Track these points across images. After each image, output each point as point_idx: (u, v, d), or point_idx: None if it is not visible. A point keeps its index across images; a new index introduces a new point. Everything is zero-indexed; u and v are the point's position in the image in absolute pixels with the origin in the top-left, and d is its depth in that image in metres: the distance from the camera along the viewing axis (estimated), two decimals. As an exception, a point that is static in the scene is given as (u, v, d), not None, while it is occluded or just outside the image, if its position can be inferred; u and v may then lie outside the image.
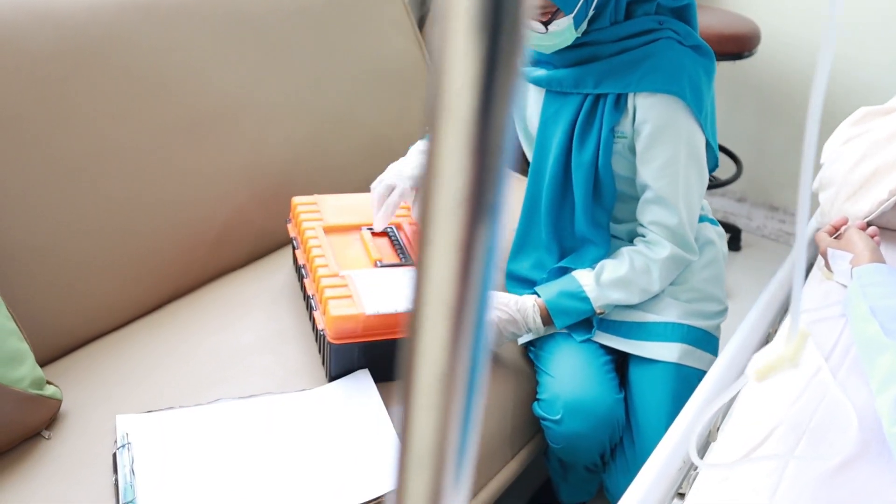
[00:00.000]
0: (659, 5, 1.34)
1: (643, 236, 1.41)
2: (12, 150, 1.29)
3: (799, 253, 0.52)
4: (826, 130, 2.71)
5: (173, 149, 1.50)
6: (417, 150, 1.53)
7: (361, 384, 1.30)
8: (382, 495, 1.12)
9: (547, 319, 1.38)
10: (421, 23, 2.59)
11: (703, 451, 0.94)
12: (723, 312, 1.54)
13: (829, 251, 1.18)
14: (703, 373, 1.47)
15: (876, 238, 1.19)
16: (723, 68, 2.77)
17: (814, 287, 1.20)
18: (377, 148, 1.92)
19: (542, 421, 1.39)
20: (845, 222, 1.24)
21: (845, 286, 1.16)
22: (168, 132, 1.50)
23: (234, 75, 1.63)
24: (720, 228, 1.60)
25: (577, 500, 1.62)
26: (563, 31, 1.29)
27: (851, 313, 1.03)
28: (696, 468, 0.86)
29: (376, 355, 1.31)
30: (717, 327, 1.53)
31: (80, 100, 1.39)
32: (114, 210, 1.41)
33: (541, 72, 1.40)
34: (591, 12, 1.29)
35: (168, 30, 1.54)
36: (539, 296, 1.39)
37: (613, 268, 1.37)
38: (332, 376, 1.31)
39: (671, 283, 1.49)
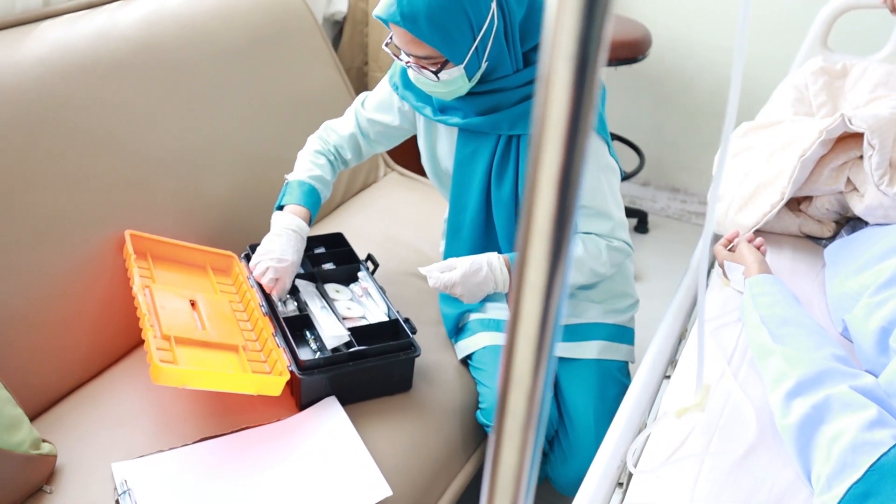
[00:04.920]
0: None
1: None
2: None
3: (701, 315, 0.68)
4: (721, 118, 2.93)
5: (121, 202, 1.60)
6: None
7: (330, 409, 1.44)
8: (362, 510, 1.27)
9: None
10: (335, 46, 2.70)
11: (640, 450, 1.13)
12: (634, 305, 1.74)
13: (725, 263, 1.39)
14: (622, 363, 1.68)
15: (762, 248, 1.40)
16: (620, 70, 2.99)
17: (715, 294, 1.40)
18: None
19: (485, 427, 1.57)
20: (737, 235, 1.45)
21: (741, 293, 1.36)
22: (115, 186, 1.59)
23: (170, 124, 1.73)
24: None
25: (524, 486, 1.81)
26: (455, 79, 1.42)
27: (746, 320, 1.23)
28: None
29: (342, 383, 1.46)
30: (631, 319, 1.73)
31: (33, 165, 1.47)
32: (75, 265, 1.50)
33: (454, 119, 1.53)
34: (483, 64, 1.43)
35: (108, 89, 1.63)
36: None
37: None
38: (303, 404, 1.45)
39: (586, 288, 1.68)
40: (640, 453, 1.04)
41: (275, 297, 1.55)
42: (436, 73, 1.40)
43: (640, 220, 3.12)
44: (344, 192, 2.25)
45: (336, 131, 1.72)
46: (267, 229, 1.87)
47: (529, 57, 1.48)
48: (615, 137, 3.09)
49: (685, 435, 1.03)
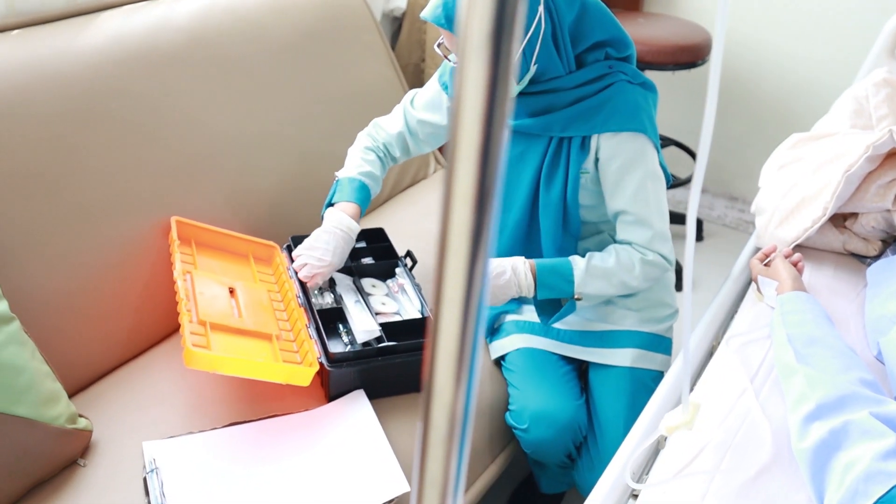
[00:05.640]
0: (607, 52, 1.49)
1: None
2: (31, 204, 1.43)
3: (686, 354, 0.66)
4: (784, 125, 2.87)
5: (169, 190, 1.65)
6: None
7: (357, 403, 1.46)
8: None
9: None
10: (393, 42, 2.73)
11: (654, 456, 1.12)
12: (673, 315, 1.71)
13: (759, 278, 1.36)
14: (656, 373, 1.65)
15: (800, 265, 1.37)
16: (680, 75, 2.94)
17: (747, 309, 1.37)
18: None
19: (513, 429, 1.57)
20: (774, 250, 1.42)
21: (773, 308, 1.33)
22: (164, 175, 1.64)
23: (221, 115, 1.78)
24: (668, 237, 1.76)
25: (556, 490, 1.80)
26: None
27: (773, 338, 1.21)
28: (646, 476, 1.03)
29: (370, 377, 1.48)
30: (669, 329, 1.70)
31: (87, 152, 1.53)
32: (123, 249, 1.56)
33: None
34: (532, 67, 1.43)
35: (162, 79, 1.68)
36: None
37: (601, 259, 1.51)
38: (332, 396, 1.48)
39: (624, 296, 1.65)
40: (649, 467, 1.03)
41: (307, 281, 1.57)
42: None
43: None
44: (392, 187, 2.27)
45: (385, 129, 1.73)
46: (311, 223, 1.90)
47: (584, 58, 1.47)
48: (672, 142, 3.04)
49: (698, 450, 1.02)
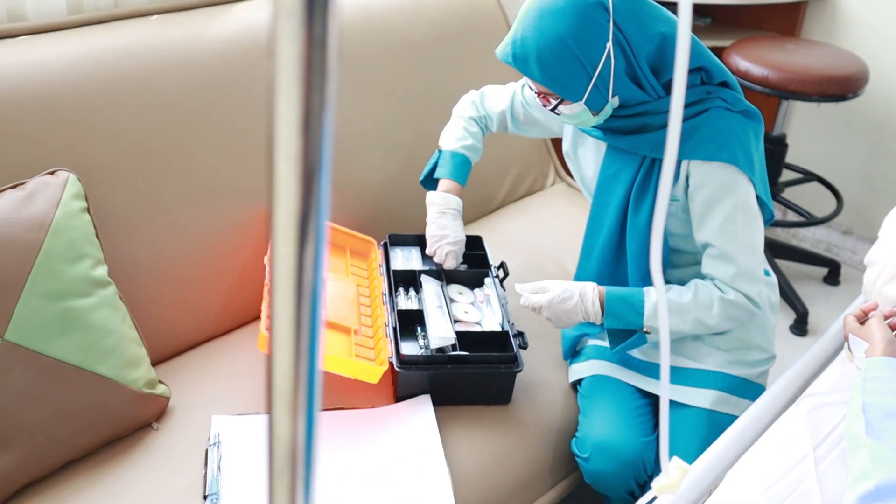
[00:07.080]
0: (702, 78, 1.43)
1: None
2: (143, 180, 1.53)
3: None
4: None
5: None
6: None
7: (421, 408, 1.47)
8: (425, 511, 1.29)
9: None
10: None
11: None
12: (767, 360, 1.61)
13: (851, 337, 1.26)
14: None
15: (901, 326, 1.25)
16: (827, 107, 2.76)
17: (835, 368, 1.27)
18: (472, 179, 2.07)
19: (575, 457, 1.53)
20: (875, 308, 1.30)
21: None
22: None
23: (341, 109, 1.83)
24: (771, 278, 1.66)
25: (625, 524, 1.74)
26: (578, 114, 1.42)
27: (850, 404, 1.11)
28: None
29: (439, 383, 1.48)
30: (762, 374, 1.60)
31: (202, 136, 1.61)
32: (225, 231, 1.63)
33: (599, 132, 1.51)
34: (611, 99, 1.40)
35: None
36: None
37: (677, 293, 1.46)
38: (399, 397, 1.49)
39: (714, 334, 1.56)
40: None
41: (449, 265, 1.65)
42: (553, 108, 1.42)
43: (830, 271, 2.87)
44: (506, 195, 2.25)
45: (491, 101, 1.76)
46: (413, 223, 1.92)
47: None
48: (814, 177, 2.86)
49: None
